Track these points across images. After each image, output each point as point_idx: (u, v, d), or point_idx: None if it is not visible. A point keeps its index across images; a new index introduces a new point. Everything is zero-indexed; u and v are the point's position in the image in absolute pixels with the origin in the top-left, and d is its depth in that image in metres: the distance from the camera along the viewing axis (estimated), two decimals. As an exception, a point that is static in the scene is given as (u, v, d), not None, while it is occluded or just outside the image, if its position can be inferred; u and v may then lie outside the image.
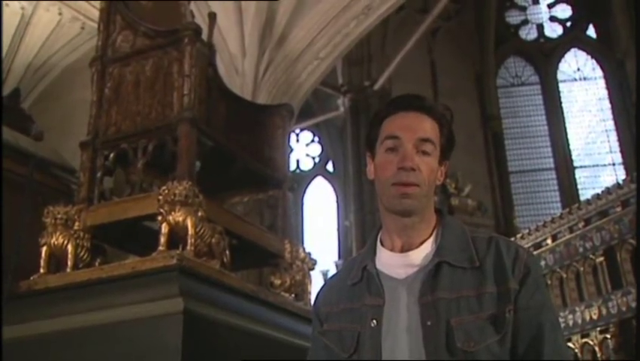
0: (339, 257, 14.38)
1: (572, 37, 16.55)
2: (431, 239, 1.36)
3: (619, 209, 8.07)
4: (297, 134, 16.11)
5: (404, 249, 1.36)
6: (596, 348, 8.10)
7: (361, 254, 1.46)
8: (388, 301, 1.31)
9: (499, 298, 1.26)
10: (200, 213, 2.44)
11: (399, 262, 1.35)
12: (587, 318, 8.29)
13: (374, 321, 1.30)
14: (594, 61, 16.14)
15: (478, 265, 1.30)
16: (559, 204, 14.25)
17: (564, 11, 16.91)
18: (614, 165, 15.11)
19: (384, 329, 1.29)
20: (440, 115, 1.39)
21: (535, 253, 9.11)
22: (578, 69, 16.29)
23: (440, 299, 1.26)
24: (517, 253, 1.31)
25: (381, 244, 1.41)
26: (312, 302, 1.53)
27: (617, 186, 8.33)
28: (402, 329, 1.27)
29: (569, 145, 15.51)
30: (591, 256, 8.42)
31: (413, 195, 1.32)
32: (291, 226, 3.32)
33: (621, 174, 14.06)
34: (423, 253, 1.34)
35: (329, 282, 1.53)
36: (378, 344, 1.28)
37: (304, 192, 15.95)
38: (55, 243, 2.59)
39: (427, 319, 1.25)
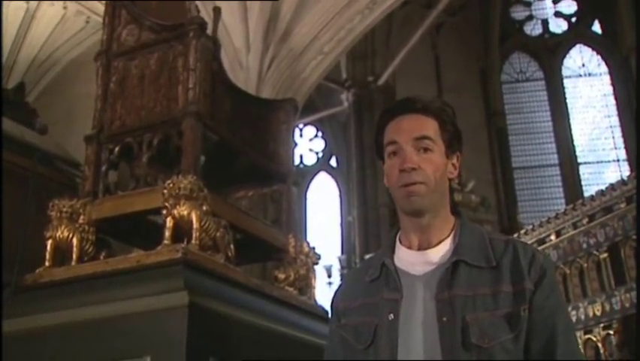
0: (342, 252, 14.39)
1: (577, 33, 16.48)
2: (449, 238, 1.38)
3: (623, 205, 8.04)
4: (301, 130, 16.10)
5: (422, 247, 1.39)
6: (599, 344, 8.09)
7: (379, 252, 1.49)
8: (406, 297, 1.33)
9: (514, 297, 1.28)
10: (204, 208, 2.45)
11: (417, 260, 1.38)
12: (591, 314, 8.27)
13: (391, 315, 1.32)
14: (599, 57, 16.08)
15: (494, 265, 1.32)
16: (562, 201, 14.22)
17: (569, 7, 16.84)
18: (618, 161, 15.07)
19: (400, 323, 1.31)
20: (436, 109, 1.42)
21: (538, 249, 9.09)
22: (583, 65, 16.22)
23: (456, 296, 1.28)
24: (533, 255, 1.34)
25: (400, 242, 1.44)
26: (331, 298, 1.55)
27: (622, 182, 8.30)
28: (418, 323, 1.30)
29: (573, 141, 15.47)
30: (595, 252, 8.40)
31: (419, 193, 1.34)
32: (295, 221, 3.33)
33: (625, 171, 14.04)
34: (441, 251, 1.37)
35: (347, 278, 1.59)
36: (395, 338, 1.30)
37: (307, 187, 15.95)
38: (61, 236, 2.60)
39: (443, 314, 1.27)
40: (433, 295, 1.30)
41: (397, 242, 1.44)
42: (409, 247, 1.40)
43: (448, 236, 1.39)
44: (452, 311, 1.27)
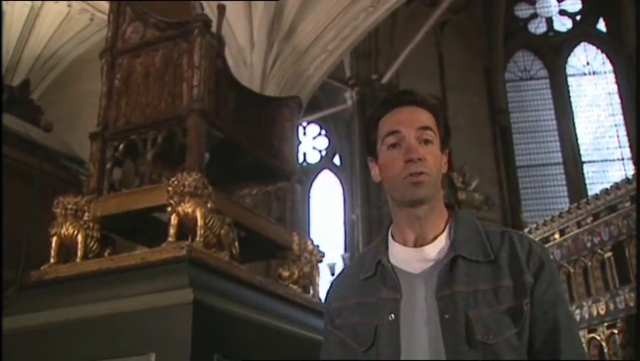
0: (346, 250, 14.39)
1: (582, 31, 16.43)
2: (445, 233, 1.36)
3: (628, 204, 8.03)
4: (304, 128, 16.08)
5: (418, 243, 1.36)
6: (603, 343, 8.08)
7: (372, 249, 1.45)
8: (405, 296, 1.30)
9: (515, 291, 1.27)
10: (209, 205, 2.45)
11: (414, 257, 1.35)
12: (595, 313, 8.27)
13: (392, 315, 1.29)
14: (604, 55, 16.03)
15: (492, 259, 1.30)
16: (566, 199, 14.19)
17: (574, 5, 16.79)
18: (622, 160, 15.03)
19: (402, 323, 1.28)
20: (433, 105, 1.41)
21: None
22: (588, 63, 16.18)
23: (457, 293, 1.26)
24: (530, 247, 1.33)
25: (393, 239, 1.41)
26: (324, 298, 1.52)
27: (626, 181, 8.29)
28: (420, 322, 1.27)
29: (577, 140, 15.43)
30: (599, 251, 8.39)
31: (425, 182, 1.32)
32: (299, 219, 3.33)
33: (630, 169, 14.00)
34: (438, 247, 1.34)
35: (339, 277, 1.52)
36: (397, 338, 1.27)
37: (311, 185, 15.94)
38: (65, 233, 2.60)
39: (445, 312, 1.25)
40: (433, 292, 1.28)
41: (390, 239, 1.41)
42: (404, 244, 1.37)
43: (443, 231, 1.36)
44: (454, 308, 1.24)
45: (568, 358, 1.25)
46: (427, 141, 1.35)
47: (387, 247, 1.40)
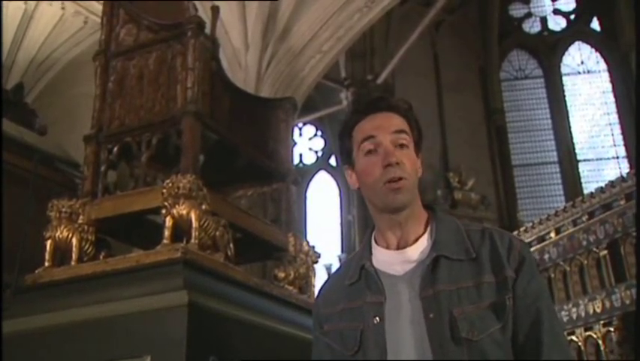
0: (342, 251, 14.40)
1: (576, 31, 16.49)
2: (426, 235, 1.38)
3: (623, 202, 8.06)
4: (300, 128, 16.09)
5: (400, 246, 1.38)
6: (600, 341, 8.11)
7: (357, 254, 1.48)
8: (389, 298, 1.32)
9: (497, 287, 1.28)
10: (204, 207, 2.44)
11: (396, 259, 1.37)
12: (591, 311, 8.29)
13: (376, 318, 1.31)
14: (598, 54, 16.09)
15: (474, 257, 1.32)
16: (562, 198, 14.23)
17: (568, 4, 16.84)
18: (617, 158, 15.08)
19: (387, 326, 1.30)
20: (405, 110, 1.43)
21: (538, 246, 9.12)
22: (582, 62, 16.23)
23: (441, 292, 1.28)
24: (510, 243, 1.35)
25: (376, 243, 1.43)
26: (313, 304, 1.54)
27: (621, 179, 8.33)
28: (405, 323, 1.29)
29: (572, 138, 15.47)
30: (595, 249, 8.42)
31: (404, 188, 1.34)
32: (294, 220, 3.32)
33: (625, 168, 14.05)
34: (419, 248, 1.36)
35: (328, 283, 1.54)
36: (383, 341, 1.29)
37: (307, 186, 15.94)
38: (60, 236, 2.59)
39: (429, 311, 1.27)
40: (416, 293, 1.30)
41: (373, 243, 1.43)
42: (387, 247, 1.39)
43: (425, 232, 1.38)
44: (438, 307, 1.26)
45: (550, 350, 1.25)
46: (402, 145, 1.37)
47: (370, 252, 1.42)
